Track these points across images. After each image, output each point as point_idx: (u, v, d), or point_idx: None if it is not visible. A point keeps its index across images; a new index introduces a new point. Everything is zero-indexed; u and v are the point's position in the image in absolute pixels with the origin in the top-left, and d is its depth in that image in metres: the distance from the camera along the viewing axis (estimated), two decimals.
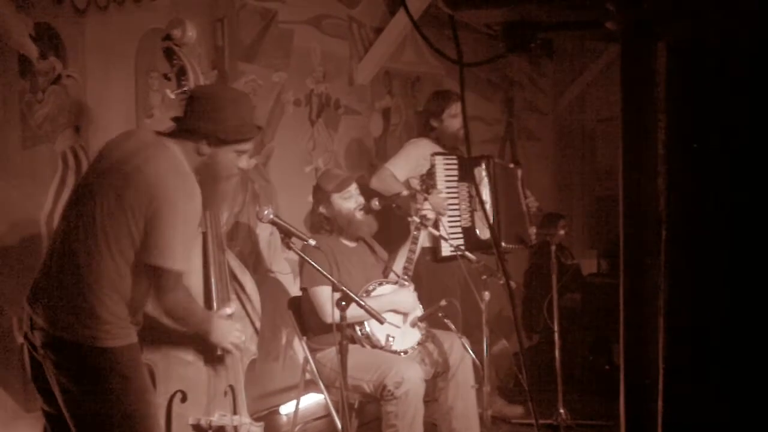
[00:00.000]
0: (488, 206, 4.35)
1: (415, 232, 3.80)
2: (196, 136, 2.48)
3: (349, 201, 3.69)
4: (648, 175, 1.24)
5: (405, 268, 3.76)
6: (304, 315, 3.72)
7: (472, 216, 4.32)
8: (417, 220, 3.79)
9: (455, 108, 4.34)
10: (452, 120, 4.34)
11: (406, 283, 3.73)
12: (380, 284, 3.69)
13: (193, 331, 2.69)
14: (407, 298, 3.69)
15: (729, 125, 1.20)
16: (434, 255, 4.27)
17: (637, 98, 1.26)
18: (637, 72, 1.26)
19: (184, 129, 2.51)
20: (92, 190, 2.40)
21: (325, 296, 3.47)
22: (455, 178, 4.28)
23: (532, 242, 4.57)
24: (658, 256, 1.23)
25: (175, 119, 2.58)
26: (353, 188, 3.72)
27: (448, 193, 4.25)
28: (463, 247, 4.05)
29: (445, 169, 4.25)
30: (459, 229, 4.28)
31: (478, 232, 4.31)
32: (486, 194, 4.36)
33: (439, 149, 4.34)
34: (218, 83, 2.97)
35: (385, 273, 3.84)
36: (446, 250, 4.11)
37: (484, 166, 4.37)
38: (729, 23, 1.19)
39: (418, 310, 3.74)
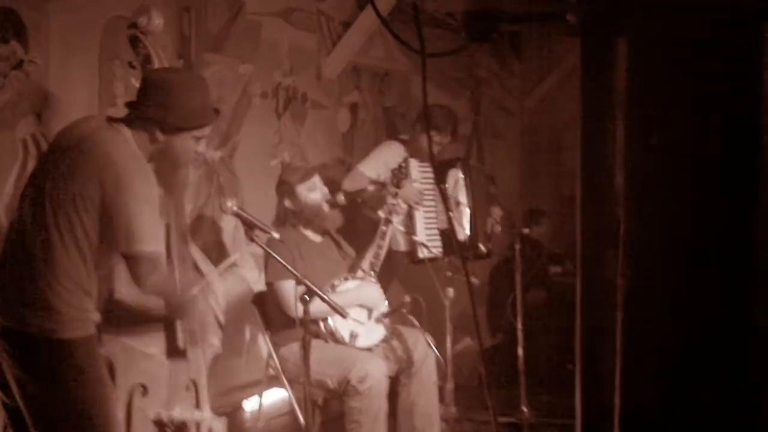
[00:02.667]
0: (466, 208, 4.37)
1: (383, 227, 3.80)
2: (149, 123, 2.39)
3: (315, 192, 3.68)
4: (606, 171, 1.25)
5: (371, 263, 3.75)
6: (268, 310, 3.69)
7: (449, 218, 4.36)
8: (384, 215, 3.80)
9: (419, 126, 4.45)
10: (421, 135, 4.42)
11: (372, 278, 3.73)
12: (345, 279, 3.68)
13: (172, 316, 2.64)
14: (372, 292, 3.68)
15: (689, 121, 1.21)
16: (411, 258, 4.29)
17: (597, 93, 1.26)
18: (596, 66, 1.26)
19: (137, 116, 2.43)
20: (43, 178, 2.34)
21: (290, 291, 3.45)
22: (431, 181, 4.33)
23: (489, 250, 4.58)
24: (616, 251, 1.24)
25: (128, 105, 2.50)
26: (317, 179, 3.71)
27: (425, 196, 4.30)
28: (441, 250, 4.08)
29: (420, 172, 4.29)
30: (436, 232, 4.32)
31: (458, 235, 4.33)
32: (463, 196, 4.38)
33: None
34: (173, 67, 2.87)
35: (352, 269, 3.83)
36: (423, 252, 4.13)
37: (459, 167, 4.39)
38: (689, 17, 1.19)
39: (383, 306, 3.74)
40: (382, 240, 3.79)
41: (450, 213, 4.35)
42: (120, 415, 2.57)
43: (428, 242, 4.18)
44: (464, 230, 4.35)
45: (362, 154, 5.15)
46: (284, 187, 3.72)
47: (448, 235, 4.32)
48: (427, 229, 4.27)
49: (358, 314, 3.58)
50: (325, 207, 3.70)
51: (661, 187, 1.21)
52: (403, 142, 4.53)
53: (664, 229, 1.21)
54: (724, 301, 1.19)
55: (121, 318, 2.60)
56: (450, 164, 4.41)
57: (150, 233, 2.33)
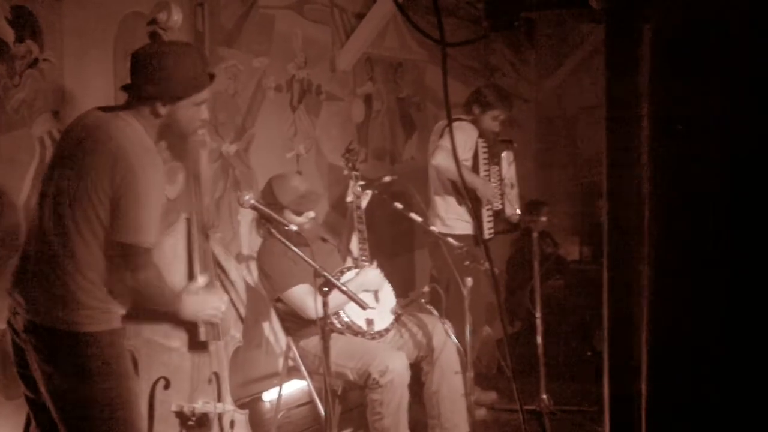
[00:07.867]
0: (515, 190, 4.64)
1: (357, 212, 3.79)
2: (149, 100, 2.42)
3: (302, 217, 3.57)
4: (632, 160, 1.24)
5: (361, 249, 3.74)
6: (283, 319, 3.68)
7: (502, 199, 4.55)
8: (351, 200, 3.81)
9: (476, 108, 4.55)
10: (491, 122, 4.54)
11: (366, 263, 3.72)
12: (342, 273, 3.66)
13: (162, 310, 2.65)
14: (372, 275, 3.67)
15: (715, 107, 1.19)
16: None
17: (622, 81, 1.24)
18: (620, 52, 1.24)
19: (135, 96, 2.46)
20: (57, 173, 2.37)
21: (302, 293, 3.45)
22: (487, 162, 4.52)
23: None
24: (642, 240, 1.23)
25: (125, 88, 2.53)
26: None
27: (485, 176, 4.48)
28: (492, 231, 4.45)
29: (484, 154, 4.50)
30: (490, 213, 4.50)
31: (507, 214, 4.57)
32: (513, 177, 4.63)
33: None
34: (158, 42, 2.85)
35: (342, 255, 3.82)
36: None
37: (511, 149, 4.64)
38: (715, 5, 1.18)
39: (386, 285, 3.75)
40: (362, 224, 3.77)
41: (503, 194, 4.57)
42: (142, 407, 2.59)
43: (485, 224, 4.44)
44: (515, 212, 4.58)
45: (377, 144, 5.15)
46: (274, 205, 3.46)
47: (500, 215, 4.55)
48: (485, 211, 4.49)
49: (366, 299, 3.56)
50: (307, 227, 3.54)
51: (686, 173, 1.20)
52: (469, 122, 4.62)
53: (690, 216, 1.20)
54: (751, 289, 1.18)
55: (143, 312, 2.61)
56: (506, 146, 4.62)
57: (150, 227, 2.35)
